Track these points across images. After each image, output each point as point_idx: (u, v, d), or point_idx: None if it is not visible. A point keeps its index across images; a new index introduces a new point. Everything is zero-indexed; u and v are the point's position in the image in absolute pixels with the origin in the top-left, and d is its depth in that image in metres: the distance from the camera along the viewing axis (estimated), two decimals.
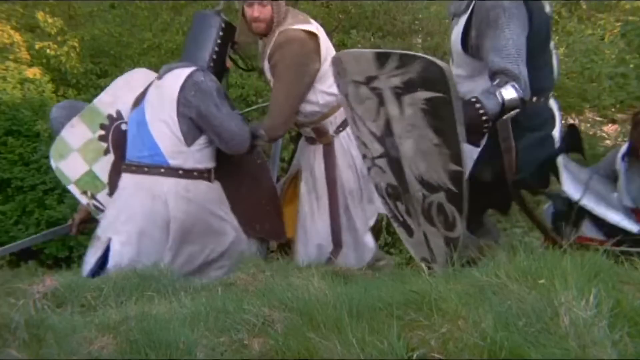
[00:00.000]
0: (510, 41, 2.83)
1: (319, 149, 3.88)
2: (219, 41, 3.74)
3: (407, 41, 8.36)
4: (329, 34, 9.08)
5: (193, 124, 3.53)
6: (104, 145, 3.93)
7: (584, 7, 10.62)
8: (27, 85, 7.99)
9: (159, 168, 3.56)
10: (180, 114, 3.51)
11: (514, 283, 2.10)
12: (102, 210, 3.92)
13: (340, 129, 3.81)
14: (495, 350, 1.75)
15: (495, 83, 2.79)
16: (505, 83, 2.76)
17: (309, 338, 1.96)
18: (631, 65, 8.54)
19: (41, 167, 7.21)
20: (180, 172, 3.56)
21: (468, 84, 3.02)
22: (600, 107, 8.26)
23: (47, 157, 7.27)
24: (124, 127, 3.91)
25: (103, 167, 3.93)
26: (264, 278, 2.81)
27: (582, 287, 1.93)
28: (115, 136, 3.92)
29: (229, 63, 3.91)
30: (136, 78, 4.01)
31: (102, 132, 3.93)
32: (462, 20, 3.01)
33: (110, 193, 3.88)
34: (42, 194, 7.11)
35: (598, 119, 8.74)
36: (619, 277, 2.29)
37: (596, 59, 8.35)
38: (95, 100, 4.00)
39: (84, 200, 3.97)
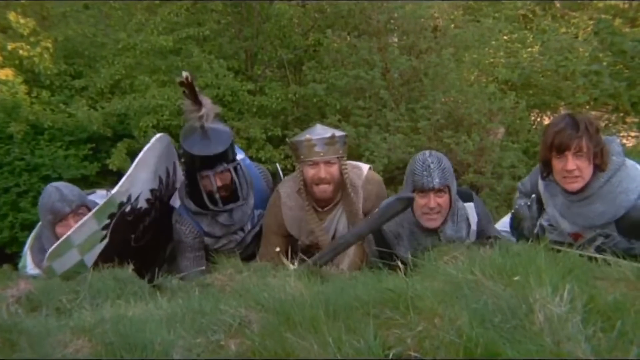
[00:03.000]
0: None
1: None
2: None
3: (383, 40, 8.37)
4: (305, 33, 9.15)
5: None
6: (104, 233, 3.53)
7: (558, 5, 10.72)
8: (0, 87, 7.89)
9: None
10: None
11: (490, 280, 2.11)
12: None
13: None
14: (471, 347, 1.76)
15: None
16: None
17: (286, 338, 1.95)
18: (604, 63, 8.64)
19: (15, 170, 7.12)
20: None
21: None
22: (575, 104, 8.33)
23: (21, 159, 7.26)
24: (127, 209, 3.61)
25: (94, 254, 3.53)
26: (241, 278, 2.80)
27: (556, 284, 1.94)
28: (117, 221, 3.58)
29: None
30: (151, 155, 3.69)
31: (108, 221, 3.53)
32: None
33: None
34: (15, 197, 7.02)
35: None
36: (593, 273, 2.31)
37: (570, 56, 8.44)
38: (114, 192, 3.53)
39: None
